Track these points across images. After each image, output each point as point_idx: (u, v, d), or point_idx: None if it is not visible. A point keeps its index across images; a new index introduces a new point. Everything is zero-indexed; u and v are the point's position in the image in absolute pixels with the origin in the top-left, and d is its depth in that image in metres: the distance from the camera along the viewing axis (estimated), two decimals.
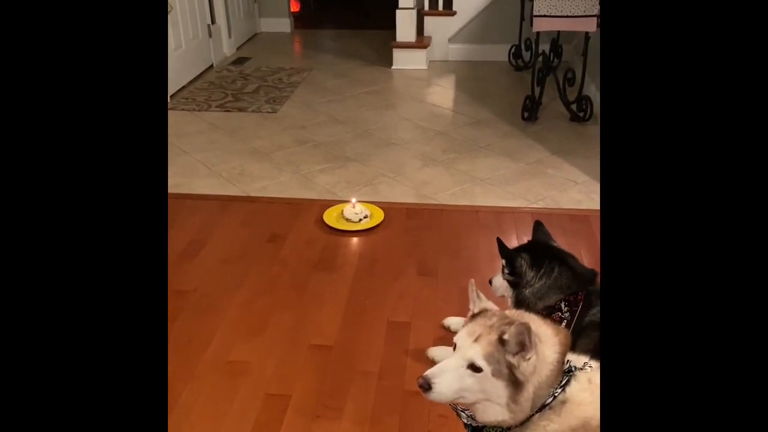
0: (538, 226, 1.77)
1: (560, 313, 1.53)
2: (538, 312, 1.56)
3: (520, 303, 1.61)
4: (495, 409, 1.13)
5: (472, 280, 1.31)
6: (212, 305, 2.19)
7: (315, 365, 1.91)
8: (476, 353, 1.12)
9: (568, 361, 1.16)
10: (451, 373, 1.13)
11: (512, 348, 1.10)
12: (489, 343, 1.12)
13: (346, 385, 1.83)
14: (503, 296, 1.71)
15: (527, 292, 1.60)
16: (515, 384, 1.11)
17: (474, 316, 1.22)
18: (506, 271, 1.64)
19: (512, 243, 2.55)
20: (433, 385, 1.13)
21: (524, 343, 1.09)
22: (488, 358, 1.11)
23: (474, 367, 1.12)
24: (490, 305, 1.25)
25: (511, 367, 1.10)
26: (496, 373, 1.11)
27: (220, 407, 1.75)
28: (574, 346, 1.48)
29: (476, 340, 1.14)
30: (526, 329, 1.09)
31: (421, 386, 1.14)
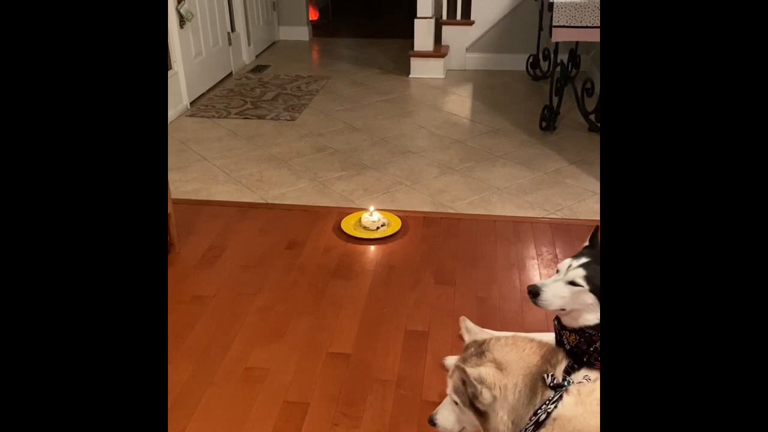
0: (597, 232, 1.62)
1: None
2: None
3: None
4: None
5: (463, 317, 1.42)
6: (231, 311, 2.20)
7: (333, 373, 1.91)
8: (450, 388, 1.27)
9: (552, 376, 1.19)
10: (445, 408, 1.30)
11: (470, 385, 1.22)
12: (458, 377, 1.25)
13: (363, 393, 1.83)
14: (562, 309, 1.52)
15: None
16: (481, 413, 1.21)
17: (466, 349, 1.34)
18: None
19: (530, 253, 2.56)
20: (436, 421, 1.31)
21: (469, 383, 1.20)
22: (456, 390, 1.25)
23: (454, 401, 1.27)
24: (482, 335, 1.34)
25: (472, 398, 1.21)
26: (465, 404, 1.24)
27: (238, 413, 1.77)
28: None
29: (451, 375, 1.28)
30: (461, 372, 1.21)
31: (429, 423, 1.33)
